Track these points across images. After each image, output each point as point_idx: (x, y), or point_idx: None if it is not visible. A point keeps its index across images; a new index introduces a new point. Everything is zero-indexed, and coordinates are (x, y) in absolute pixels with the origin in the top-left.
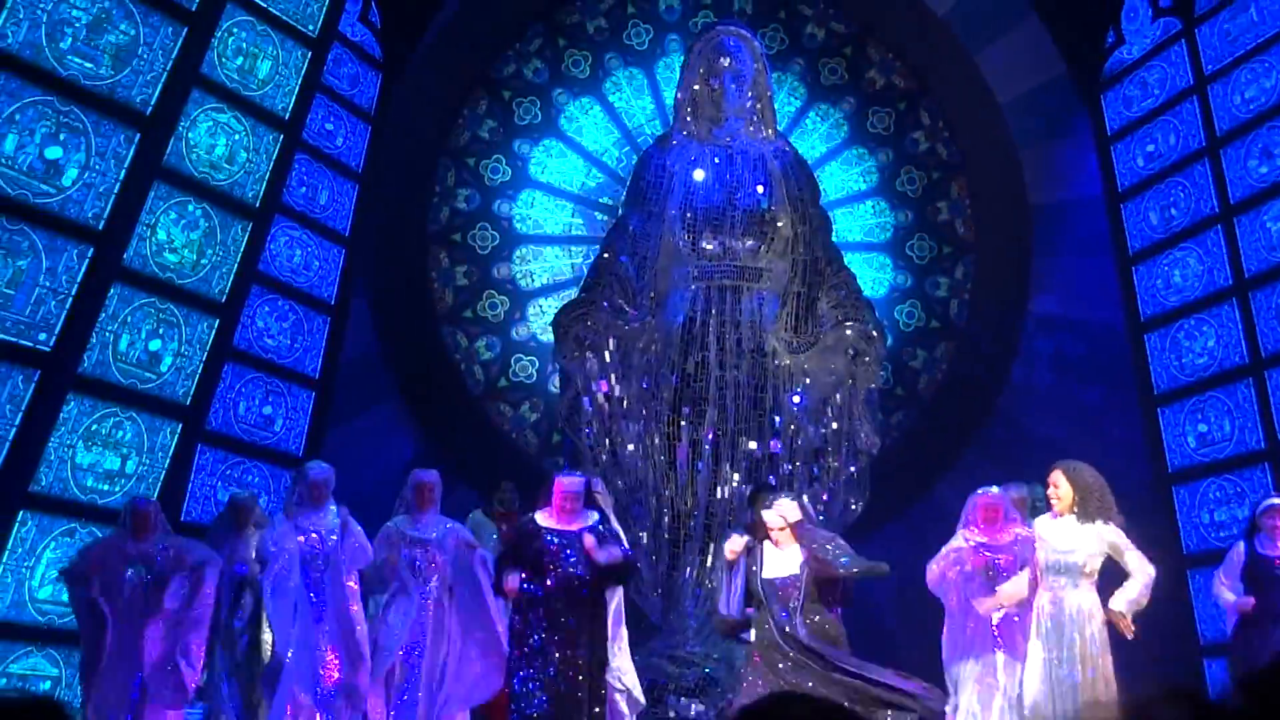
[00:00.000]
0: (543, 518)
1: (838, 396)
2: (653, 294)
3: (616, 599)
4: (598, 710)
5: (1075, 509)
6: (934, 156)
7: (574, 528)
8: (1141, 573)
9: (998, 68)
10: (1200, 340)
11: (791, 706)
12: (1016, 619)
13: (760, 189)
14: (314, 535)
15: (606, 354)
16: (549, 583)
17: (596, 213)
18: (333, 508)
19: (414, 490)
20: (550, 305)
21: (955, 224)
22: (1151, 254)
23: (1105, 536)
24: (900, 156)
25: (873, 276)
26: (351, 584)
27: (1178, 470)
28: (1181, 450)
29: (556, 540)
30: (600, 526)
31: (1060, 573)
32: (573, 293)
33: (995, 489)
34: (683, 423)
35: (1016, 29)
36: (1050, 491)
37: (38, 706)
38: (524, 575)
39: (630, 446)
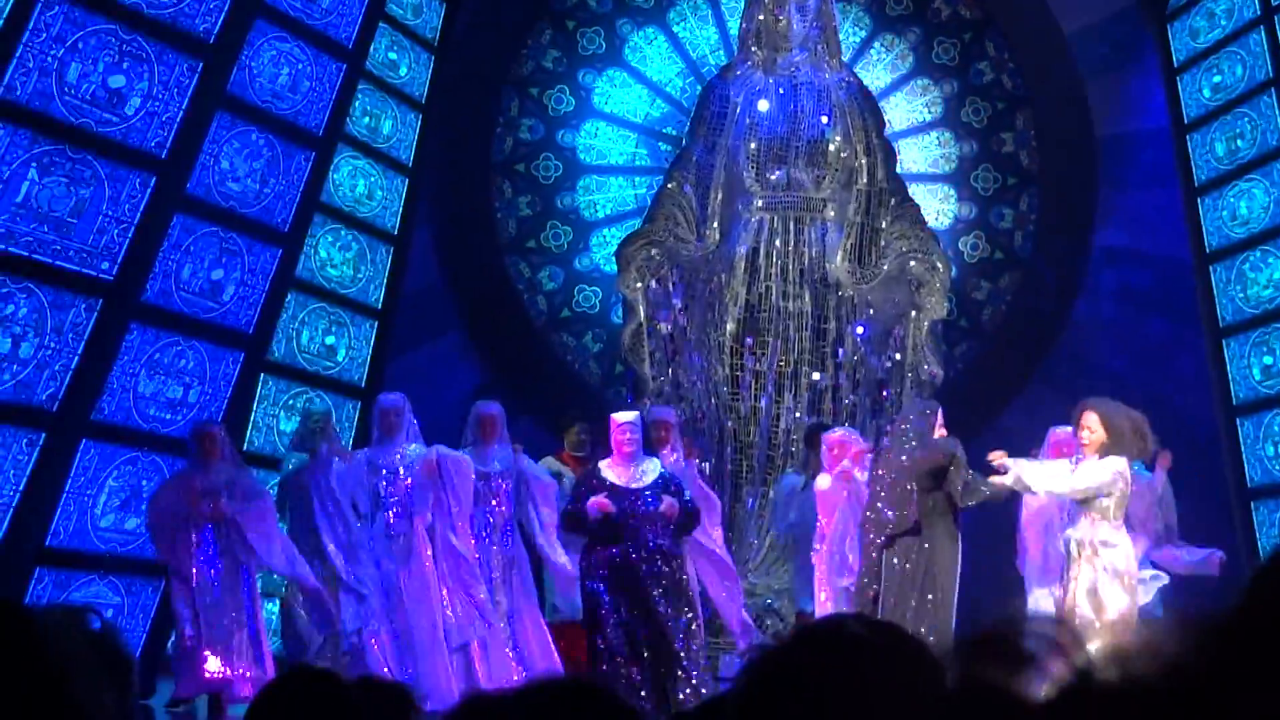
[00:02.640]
0: (606, 468)
1: (900, 328)
2: (716, 224)
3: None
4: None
5: (1106, 452)
6: (999, 87)
7: (640, 484)
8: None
9: None
10: (1266, 272)
11: (850, 623)
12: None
13: (824, 120)
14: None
15: (670, 284)
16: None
17: (660, 143)
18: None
19: (477, 423)
20: (614, 235)
21: (1020, 155)
22: (1217, 186)
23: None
24: (965, 88)
25: (936, 208)
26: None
27: (1242, 403)
28: (1246, 383)
29: (624, 502)
30: (666, 476)
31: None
32: (636, 223)
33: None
34: (745, 354)
35: None
36: (1084, 434)
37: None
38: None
39: (693, 377)
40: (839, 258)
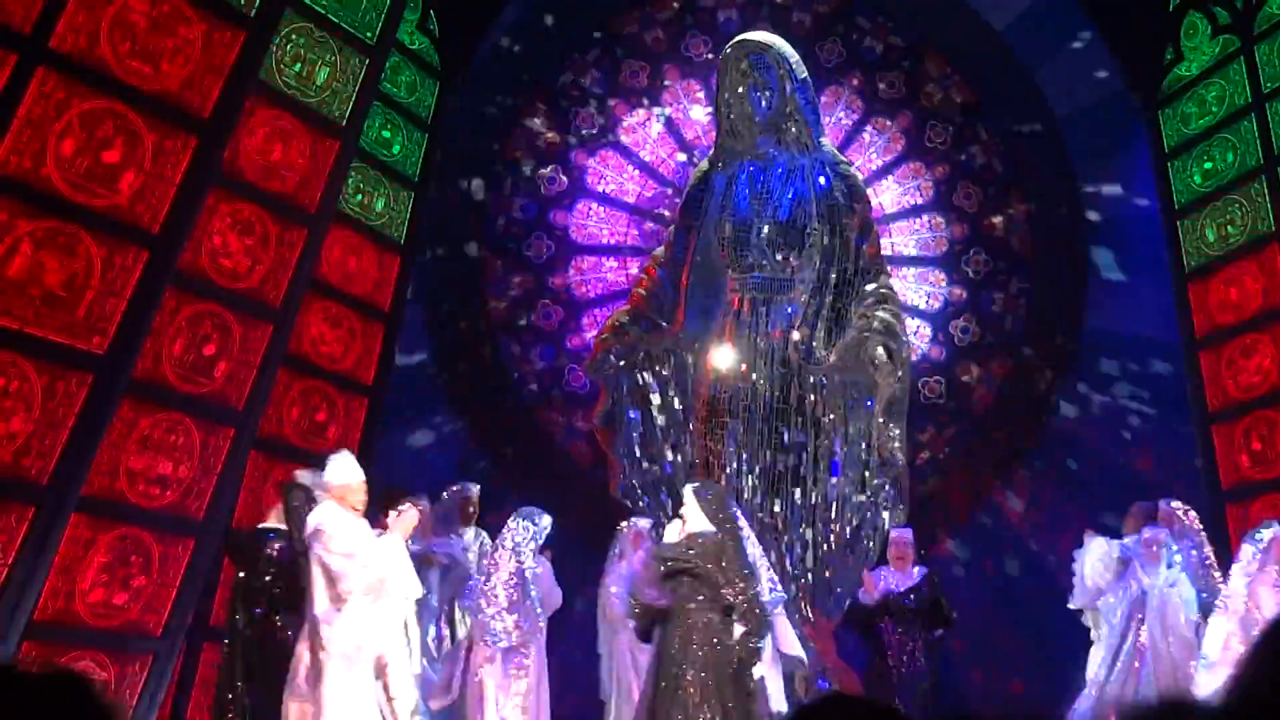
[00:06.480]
0: None
1: (864, 408)
2: (687, 306)
3: None
4: None
5: None
6: (990, 171)
7: None
8: None
9: (1056, 83)
10: (1256, 359)
11: (846, 705)
12: None
13: (793, 201)
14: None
15: (643, 372)
16: None
17: (651, 223)
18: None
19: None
20: (604, 315)
21: (1011, 239)
22: (1208, 271)
23: None
24: (957, 171)
25: (928, 291)
26: None
27: (1231, 488)
28: (1235, 469)
29: None
30: None
31: None
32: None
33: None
34: (707, 438)
35: (1075, 44)
36: None
37: (63, 684)
38: None
39: (669, 458)
40: (803, 339)
